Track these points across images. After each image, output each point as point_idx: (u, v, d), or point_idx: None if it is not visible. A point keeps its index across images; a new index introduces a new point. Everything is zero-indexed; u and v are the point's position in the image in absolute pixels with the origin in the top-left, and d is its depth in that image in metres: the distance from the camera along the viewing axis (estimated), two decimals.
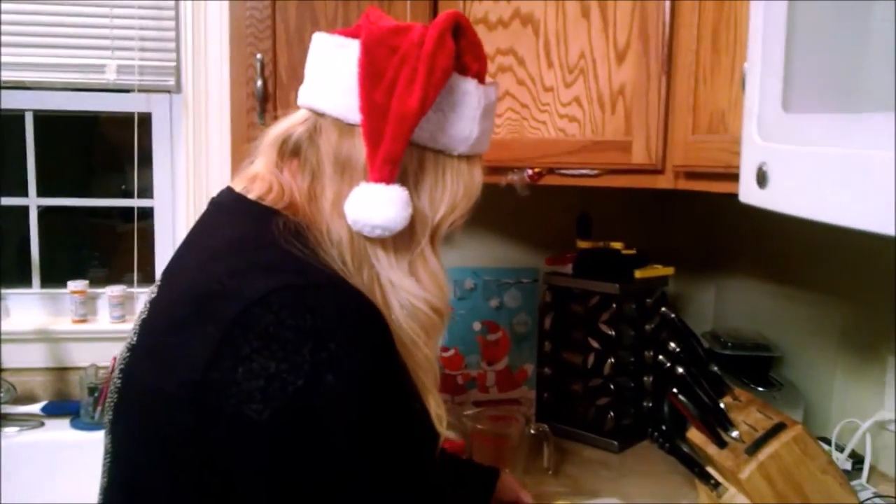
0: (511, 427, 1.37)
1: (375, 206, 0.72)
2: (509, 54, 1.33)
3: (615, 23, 1.25)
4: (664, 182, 1.24)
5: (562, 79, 1.30)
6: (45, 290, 1.79)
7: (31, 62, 1.66)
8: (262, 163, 0.80)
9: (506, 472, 1.16)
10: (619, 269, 1.57)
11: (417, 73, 0.71)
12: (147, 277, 1.80)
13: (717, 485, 1.12)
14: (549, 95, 1.31)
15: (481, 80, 0.79)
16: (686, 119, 1.16)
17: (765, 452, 1.03)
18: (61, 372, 1.73)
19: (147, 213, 1.80)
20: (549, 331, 1.66)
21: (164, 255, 1.80)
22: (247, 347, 0.62)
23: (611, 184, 1.30)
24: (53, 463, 1.60)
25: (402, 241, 0.76)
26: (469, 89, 0.77)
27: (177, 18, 1.69)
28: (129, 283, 1.79)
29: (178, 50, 1.70)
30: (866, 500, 1.19)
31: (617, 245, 1.61)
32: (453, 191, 0.78)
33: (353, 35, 0.76)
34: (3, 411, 1.64)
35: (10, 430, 1.62)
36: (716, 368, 1.17)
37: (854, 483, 1.21)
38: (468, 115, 0.77)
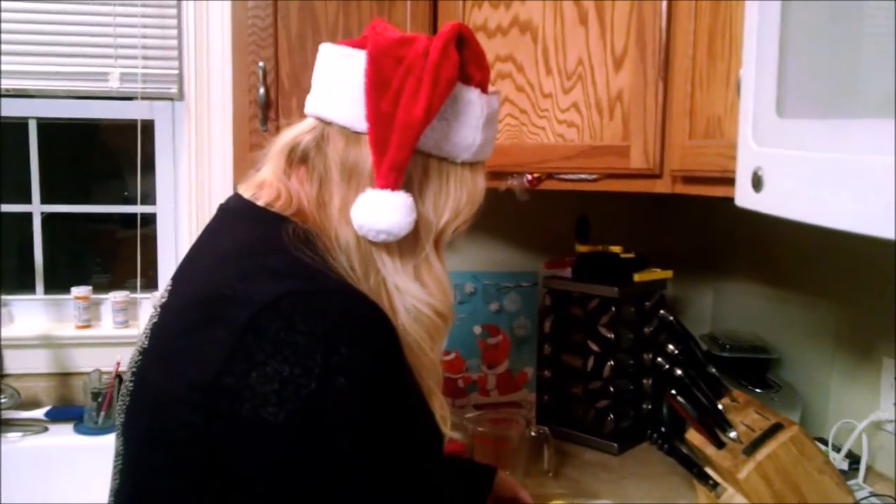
0: (511, 429, 1.38)
1: (381, 211, 0.73)
2: (508, 61, 1.34)
3: (612, 29, 1.26)
4: (662, 186, 1.26)
5: (560, 85, 1.31)
6: (48, 296, 1.80)
7: (34, 70, 1.68)
8: (269, 170, 0.81)
9: (505, 473, 1.17)
10: (617, 272, 1.59)
11: (422, 83, 0.73)
12: (149, 283, 1.81)
13: (715, 485, 1.13)
14: (548, 101, 1.32)
15: (484, 90, 0.80)
16: (683, 124, 1.18)
17: (762, 453, 1.04)
18: (65, 377, 1.74)
19: (149, 220, 1.81)
20: (549, 334, 1.67)
21: (166, 261, 1.81)
22: (260, 353, 0.63)
23: (609, 188, 1.31)
24: (57, 468, 1.61)
25: (406, 246, 0.78)
26: (472, 98, 0.78)
27: (179, 26, 1.70)
28: (132, 289, 1.80)
29: (180, 58, 1.71)
30: (863, 499, 1.20)
31: (616, 249, 1.63)
32: (457, 197, 0.80)
33: (360, 46, 0.77)
34: (7, 416, 1.64)
35: (13, 436, 1.63)
36: (714, 370, 1.18)
37: (850, 483, 1.22)
38: (471, 124, 0.79)
